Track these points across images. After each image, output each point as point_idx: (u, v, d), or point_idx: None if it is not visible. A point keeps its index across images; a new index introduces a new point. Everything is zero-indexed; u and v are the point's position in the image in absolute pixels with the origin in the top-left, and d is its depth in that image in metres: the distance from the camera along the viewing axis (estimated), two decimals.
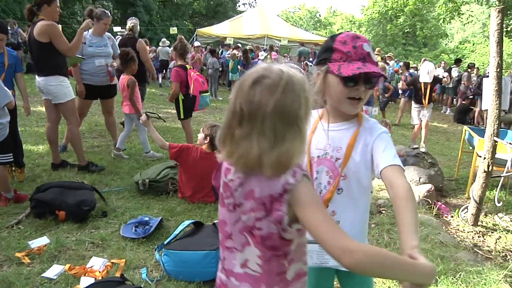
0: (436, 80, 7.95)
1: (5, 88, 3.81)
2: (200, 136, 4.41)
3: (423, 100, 7.70)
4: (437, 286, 3.14)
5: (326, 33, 41.40)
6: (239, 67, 13.46)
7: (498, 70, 4.30)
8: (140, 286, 2.40)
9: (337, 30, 43.97)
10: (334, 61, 1.51)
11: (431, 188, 5.27)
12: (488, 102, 4.50)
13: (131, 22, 6.90)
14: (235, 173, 1.26)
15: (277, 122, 1.14)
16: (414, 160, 6.13)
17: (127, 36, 6.83)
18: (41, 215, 3.69)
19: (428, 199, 5.10)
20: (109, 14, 5.65)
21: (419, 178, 5.81)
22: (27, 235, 3.43)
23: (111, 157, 5.74)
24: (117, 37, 14.06)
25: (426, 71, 7.56)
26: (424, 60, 16.62)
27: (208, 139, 4.32)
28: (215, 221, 3.37)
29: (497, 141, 4.45)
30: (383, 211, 4.61)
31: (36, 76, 4.84)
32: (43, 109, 8.58)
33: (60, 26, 4.72)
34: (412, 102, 7.93)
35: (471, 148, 6.85)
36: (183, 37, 5.94)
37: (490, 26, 4.39)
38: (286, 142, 1.14)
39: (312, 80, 1.48)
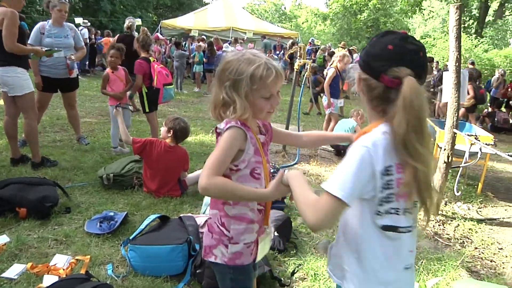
0: None
1: None
2: (163, 129, 4.37)
3: None
4: None
5: (291, 25, 41.58)
6: (204, 59, 13.33)
7: (457, 64, 4.44)
8: (105, 283, 2.36)
9: (302, 23, 44.29)
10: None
11: None
12: (448, 95, 4.64)
13: (129, 21, 8.10)
14: None
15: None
16: None
17: (124, 34, 7.85)
18: (0, 212, 3.56)
19: None
20: (66, 1, 5.43)
21: None
22: None
23: (73, 152, 5.59)
24: (80, 28, 13.76)
25: None
26: None
27: (171, 132, 4.28)
28: (181, 215, 3.35)
29: (456, 133, 4.60)
30: None
31: None
32: (1, 102, 8.32)
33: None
34: None
35: (432, 139, 7.07)
36: (146, 29, 5.84)
37: (449, 22, 4.53)
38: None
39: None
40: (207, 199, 3.82)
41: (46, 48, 4.98)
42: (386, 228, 1.36)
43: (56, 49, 5.10)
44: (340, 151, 6.64)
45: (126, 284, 2.77)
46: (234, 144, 1.59)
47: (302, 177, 1.46)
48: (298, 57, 6.13)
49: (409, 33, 1.42)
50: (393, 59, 1.33)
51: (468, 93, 10.99)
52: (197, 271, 2.80)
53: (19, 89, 4.57)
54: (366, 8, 30.41)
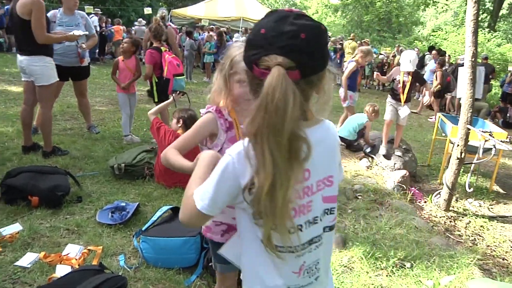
0: (418, 76, 6.30)
1: None
2: (173, 122, 4.34)
3: (401, 96, 6.09)
4: (412, 270, 3.22)
5: None
6: (214, 49, 13.26)
7: (473, 59, 4.37)
8: (119, 275, 2.36)
9: (312, 15, 43.85)
10: None
11: (405, 174, 5.37)
12: (462, 90, 4.58)
13: (162, 11, 8.50)
14: None
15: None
16: (388, 146, 6.21)
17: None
18: (12, 201, 3.56)
19: (403, 185, 5.20)
20: None
21: (394, 164, 5.91)
22: None
23: (84, 140, 5.59)
24: (91, 16, 13.74)
25: (408, 60, 5.96)
26: (399, 46, 16.84)
27: (181, 121, 4.24)
28: None
29: (470, 129, 4.54)
30: (359, 197, 4.67)
31: (18, 55, 4.61)
32: (11, 89, 8.36)
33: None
34: (388, 96, 6.38)
35: (443, 135, 7.00)
36: (158, 18, 5.79)
37: (466, 16, 4.45)
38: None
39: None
40: None
41: (74, 32, 4.96)
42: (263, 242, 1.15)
43: (80, 31, 5.11)
44: (351, 145, 6.59)
45: (138, 276, 2.77)
46: (202, 127, 1.73)
47: (209, 160, 1.29)
48: None
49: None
50: (264, 46, 1.06)
51: (437, 79, 11.35)
52: (210, 264, 2.78)
53: (46, 79, 4.58)
54: (378, 0, 30.03)
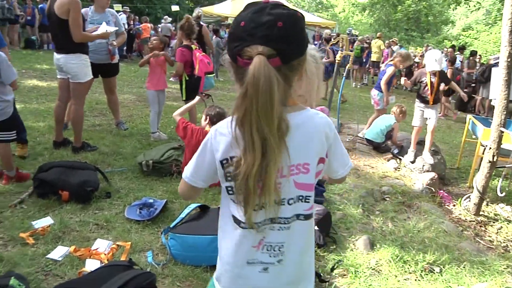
0: (443, 76, 6.08)
1: (11, 66, 3.75)
2: (202, 119, 4.35)
3: (429, 96, 5.83)
4: (441, 275, 3.15)
5: (327, 15, 40.96)
6: None
7: (509, 60, 4.24)
8: (148, 271, 2.37)
9: (339, 13, 43.53)
10: None
11: (434, 176, 5.27)
12: (496, 92, 4.45)
13: (198, 11, 9.13)
14: None
15: None
16: (417, 148, 6.10)
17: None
18: (44, 195, 3.64)
19: (432, 187, 5.10)
20: None
21: (423, 166, 5.80)
22: (31, 215, 3.39)
23: (113, 136, 5.68)
24: (119, 13, 13.94)
25: (433, 59, 5.72)
26: (428, 46, 16.52)
27: (208, 118, 4.25)
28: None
29: (503, 132, 4.42)
30: (387, 198, 4.60)
31: (55, 53, 4.73)
32: (43, 85, 8.55)
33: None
34: (416, 100, 6.14)
35: (474, 137, 6.83)
36: (190, 16, 5.82)
37: (503, 15, 4.31)
38: None
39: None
40: None
41: (106, 29, 5.05)
42: (234, 218, 1.28)
43: (111, 27, 5.20)
44: (379, 146, 6.49)
45: (166, 272, 2.79)
46: None
47: None
48: (341, 49, 6.00)
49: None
50: (245, 37, 1.13)
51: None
52: None
53: (82, 76, 4.70)
54: None
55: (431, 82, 5.82)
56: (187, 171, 1.34)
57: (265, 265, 1.30)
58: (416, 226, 3.95)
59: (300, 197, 1.28)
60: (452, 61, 11.59)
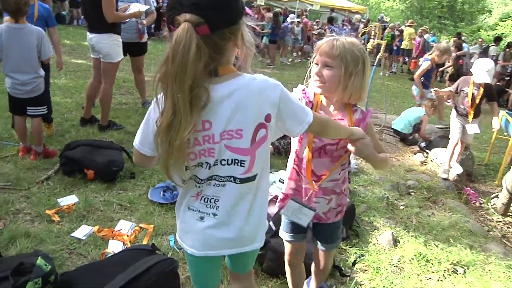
0: (490, 91, 5.12)
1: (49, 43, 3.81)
2: None
3: (469, 111, 5.06)
4: (465, 276, 3.08)
5: (358, 0, 39.99)
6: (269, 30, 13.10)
7: None
8: (170, 257, 2.37)
9: None
10: None
11: (461, 173, 5.14)
12: None
13: None
14: None
15: None
16: (446, 142, 5.93)
17: None
18: (69, 172, 3.70)
19: (458, 184, 4.98)
20: None
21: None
22: (56, 192, 3.44)
23: (138, 116, 5.69)
24: None
25: (484, 69, 4.87)
26: (460, 36, 15.92)
27: None
28: None
29: None
30: (412, 193, 4.51)
31: (88, 33, 4.76)
32: (72, 61, 8.64)
33: None
34: (452, 109, 5.40)
35: (505, 134, 6.62)
36: None
37: None
38: None
39: None
40: (272, 177, 3.76)
41: (139, 9, 5.03)
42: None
43: (143, 5, 5.20)
44: (405, 138, 6.36)
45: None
46: None
47: None
48: (373, 37, 5.85)
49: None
50: (176, 6, 1.21)
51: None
52: (259, 252, 2.76)
53: (114, 56, 4.73)
54: None
55: (473, 94, 5.03)
56: (136, 139, 1.43)
57: (201, 214, 1.46)
58: (440, 224, 3.87)
59: (236, 161, 1.37)
60: (458, 47, 11.55)
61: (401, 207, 4.13)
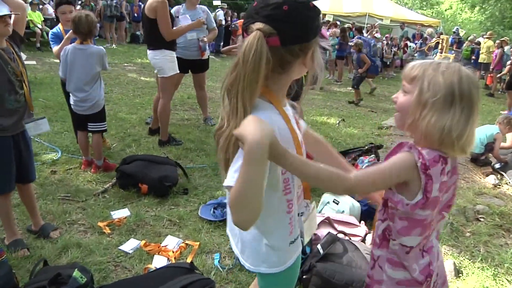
0: None
1: None
2: None
3: None
4: None
5: (432, 13, 38.51)
6: (336, 46, 12.89)
7: None
8: (207, 277, 2.32)
9: (445, 10, 40.79)
10: None
11: None
12: None
13: None
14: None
15: None
16: None
17: None
18: (125, 186, 3.79)
19: None
20: None
21: None
22: (111, 205, 3.53)
23: (199, 132, 5.77)
24: (217, 10, 14.32)
25: None
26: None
27: None
28: None
29: None
30: (481, 219, 4.12)
31: (147, 50, 4.97)
32: (141, 78, 9.03)
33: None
34: None
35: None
36: None
37: None
38: None
39: None
40: (324, 198, 3.62)
41: (199, 19, 5.18)
42: None
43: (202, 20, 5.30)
44: (477, 159, 5.87)
45: (230, 277, 2.72)
46: None
47: None
48: (439, 50, 5.51)
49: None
50: (253, 15, 1.22)
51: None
52: (304, 277, 2.63)
53: (167, 71, 4.88)
54: None
55: None
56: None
57: None
58: None
59: None
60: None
61: (467, 234, 3.77)
